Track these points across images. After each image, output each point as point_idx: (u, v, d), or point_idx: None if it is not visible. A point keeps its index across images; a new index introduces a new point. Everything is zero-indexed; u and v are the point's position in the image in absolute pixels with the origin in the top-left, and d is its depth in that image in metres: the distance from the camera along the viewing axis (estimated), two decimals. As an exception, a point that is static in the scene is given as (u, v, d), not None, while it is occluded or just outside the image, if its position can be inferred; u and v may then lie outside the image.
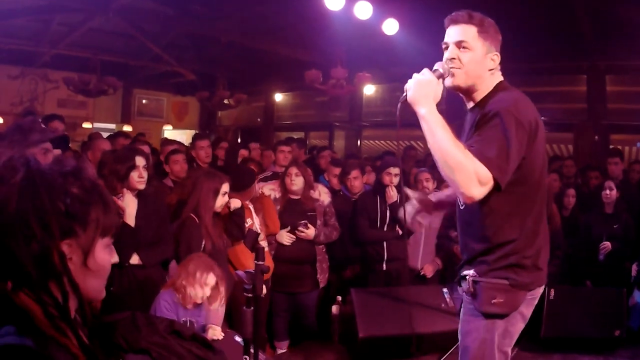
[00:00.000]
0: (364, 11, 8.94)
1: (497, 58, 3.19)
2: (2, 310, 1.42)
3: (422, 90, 3.00)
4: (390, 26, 9.53)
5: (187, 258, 4.69)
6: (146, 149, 6.80)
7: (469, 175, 2.78)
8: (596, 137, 11.50)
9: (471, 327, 3.18)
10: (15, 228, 1.43)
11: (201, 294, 4.56)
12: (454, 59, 3.14)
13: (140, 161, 4.98)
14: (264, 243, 5.98)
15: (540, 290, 3.18)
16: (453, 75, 3.14)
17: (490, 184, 2.81)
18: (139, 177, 4.94)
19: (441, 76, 3.11)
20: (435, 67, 3.12)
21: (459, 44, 3.15)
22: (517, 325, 3.16)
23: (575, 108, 12.29)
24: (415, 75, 3.07)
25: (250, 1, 11.42)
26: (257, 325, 3.52)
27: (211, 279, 4.59)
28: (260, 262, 3.49)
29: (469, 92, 3.24)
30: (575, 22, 10.24)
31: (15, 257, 1.42)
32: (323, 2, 8.56)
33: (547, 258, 3.19)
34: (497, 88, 3.19)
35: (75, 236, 1.51)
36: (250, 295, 3.47)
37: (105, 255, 1.61)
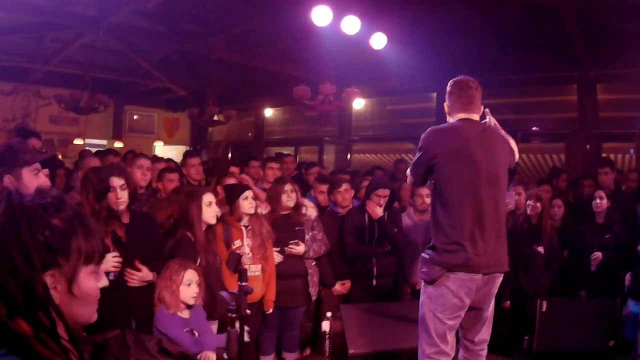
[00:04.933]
0: (351, 26, 8.94)
1: (446, 107, 4.57)
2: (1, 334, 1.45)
3: None
4: (379, 40, 9.54)
5: (164, 268, 4.67)
6: (145, 162, 6.79)
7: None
8: (588, 146, 11.49)
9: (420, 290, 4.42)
10: (1, 260, 1.46)
11: (189, 293, 4.59)
12: None
13: (116, 182, 4.79)
14: (255, 267, 5.91)
15: (472, 277, 4.14)
16: None
17: (409, 177, 4.60)
18: (116, 199, 4.77)
19: None
20: None
21: None
22: (447, 297, 4.15)
23: (567, 117, 12.30)
24: None
25: (239, 18, 11.48)
26: (242, 344, 3.51)
27: (189, 275, 4.61)
28: (244, 284, 3.49)
29: None
30: (565, 31, 10.24)
31: (3, 287, 1.46)
32: (310, 17, 8.55)
33: (470, 251, 4.11)
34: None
35: (58, 267, 1.53)
36: (234, 315, 3.47)
37: (90, 282, 1.63)
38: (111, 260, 4.64)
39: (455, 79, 4.53)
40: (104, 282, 1.72)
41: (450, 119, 4.50)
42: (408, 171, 4.59)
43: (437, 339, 4.18)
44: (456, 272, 4.12)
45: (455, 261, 4.12)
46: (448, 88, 4.52)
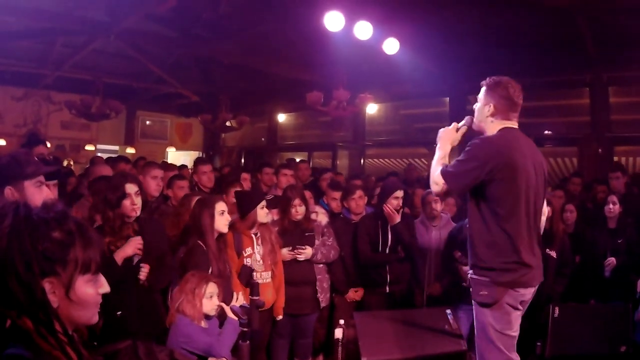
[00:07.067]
0: (364, 31, 8.95)
1: (493, 108, 4.21)
2: (11, 331, 1.69)
3: (442, 135, 4.43)
4: (391, 46, 9.54)
5: (182, 280, 4.67)
6: (160, 172, 6.71)
7: (432, 178, 4.27)
8: (600, 149, 11.46)
9: (475, 312, 4.23)
10: (7, 266, 1.66)
11: (211, 305, 4.59)
12: (473, 109, 4.44)
13: (131, 188, 4.83)
14: (265, 274, 5.92)
15: (528, 290, 4.15)
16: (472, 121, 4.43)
17: (441, 184, 4.17)
18: (132, 205, 4.79)
19: (464, 125, 4.42)
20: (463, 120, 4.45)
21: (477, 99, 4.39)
22: (510, 313, 4.08)
23: (579, 121, 12.30)
24: (444, 128, 4.46)
25: (251, 23, 11.47)
26: (254, 358, 3.51)
27: (211, 287, 4.61)
28: (256, 297, 3.48)
29: (480, 133, 4.35)
30: (577, 34, 10.23)
31: (10, 290, 1.66)
32: (323, 23, 8.55)
33: (532, 265, 4.11)
34: (498, 132, 4.19)
35: (56, 275, 1.73)
36: (246, 329, 3.46)
37: (87, 289, 1.82)
38: (135, 244, 4.74)
39: (508, 80, 4.23)
40: (105, 288, 1.88)
41: (492, 122, 4.24)
42: (438, 177, 4.17)
43: (508, 353, 4.14)
44: (516, 288, 4.07)
45: (518, 279, 4.05)
46: (500, 89, 4.20)
